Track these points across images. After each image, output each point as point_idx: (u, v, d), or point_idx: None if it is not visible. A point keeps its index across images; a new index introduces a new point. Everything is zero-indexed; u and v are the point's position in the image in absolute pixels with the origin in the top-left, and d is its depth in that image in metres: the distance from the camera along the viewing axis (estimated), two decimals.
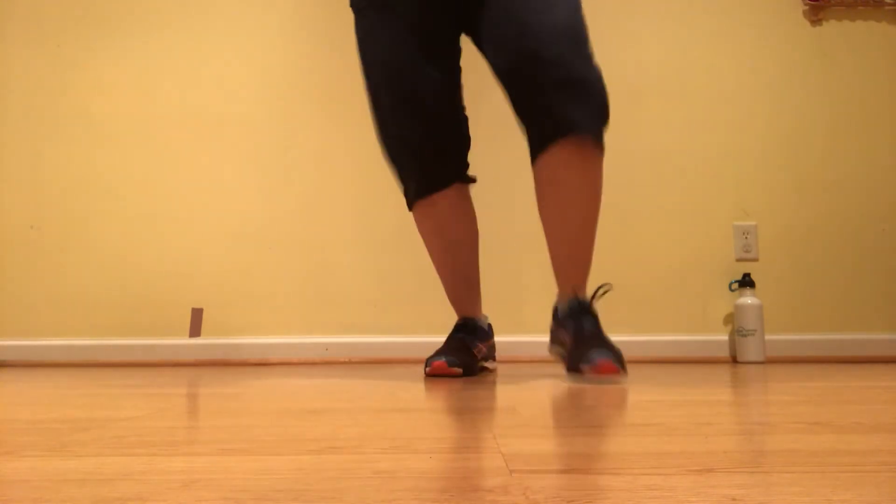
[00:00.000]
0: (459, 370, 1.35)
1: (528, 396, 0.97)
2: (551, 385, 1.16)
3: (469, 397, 0.97)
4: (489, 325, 1.59)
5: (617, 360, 1.17)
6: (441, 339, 2.12)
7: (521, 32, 1.22)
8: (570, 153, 1.24)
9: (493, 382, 1.25)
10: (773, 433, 0.62)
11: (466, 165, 1.44)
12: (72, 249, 2.18)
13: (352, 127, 2.14)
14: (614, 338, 2.31)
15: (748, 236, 2.13)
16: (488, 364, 1.61)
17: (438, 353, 1.41)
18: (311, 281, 2.14)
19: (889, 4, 2.18)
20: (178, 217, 2.18)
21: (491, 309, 2.12)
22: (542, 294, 2.12)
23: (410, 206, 1.45)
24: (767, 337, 2.03)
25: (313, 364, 2.02)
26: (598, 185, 1.31)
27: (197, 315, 2.13)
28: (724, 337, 2.09)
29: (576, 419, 0.72)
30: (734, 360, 2.04)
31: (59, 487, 0.43)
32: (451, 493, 0.40)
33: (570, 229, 1.30)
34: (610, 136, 2.21)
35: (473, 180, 1.46)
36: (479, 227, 1.52)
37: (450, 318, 2.11)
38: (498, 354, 2.10)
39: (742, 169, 2.16)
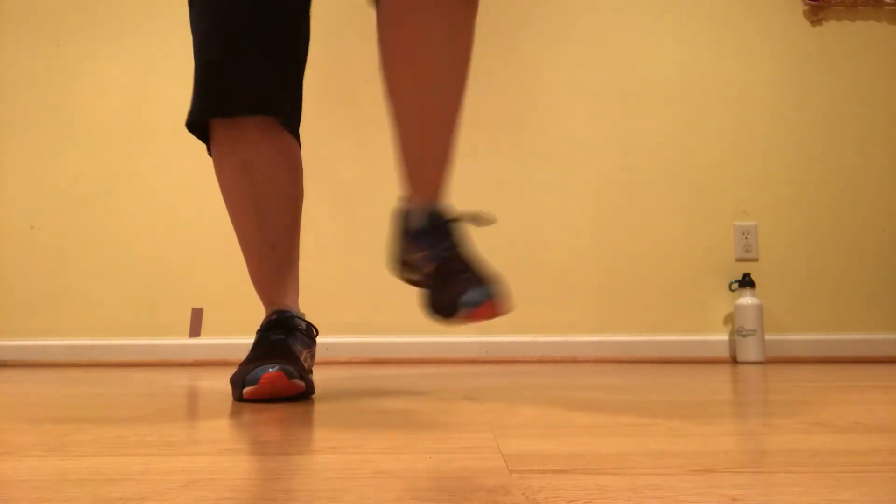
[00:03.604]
0: (302, 384, 0.93)
1: (529, 396, 0.97)
2: (551, 385, 1.16)
3: (469, 398, 0.97)
4: (309, 325, 1.09)
5: (500, 295, 0.87)
6: (442, 338, 2.11)
7: None
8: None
9: (488, 387, 1.25)
10: (773, 433, 0.62)
11: (287, 104, 1.07)
12: (72, 249, 2.18)
13: (352, 127, 2.14)
14: (614, 338, 2.29)
15: (748, 236, 2.13)
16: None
17: (257, 360, 0.95)
18: (311, 281, 2.14)
19: (889, 4, 2.18)
20: (178, 217, 2.18)
21: None
22: (547, 294, 2.12)
23: (203, 123, 1.09)
24: (767, 337, 2.03)
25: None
26: (471, 44, 0.97)
27: (197, 315, 2.13)
28: (724, 337, 2.09)
29: (576, 419, 0.72)
30: (734, 360, 2.04)
31: (59, 487, 0.43)
32: (451, 493, 0.40)
33: (433, 104, 0.95)
34: (610, 136, 2.22)
35: (293, 128, 1.09)
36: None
37: None
38: (499, 354, 2.11)
39: (742, 169, 2.16)
